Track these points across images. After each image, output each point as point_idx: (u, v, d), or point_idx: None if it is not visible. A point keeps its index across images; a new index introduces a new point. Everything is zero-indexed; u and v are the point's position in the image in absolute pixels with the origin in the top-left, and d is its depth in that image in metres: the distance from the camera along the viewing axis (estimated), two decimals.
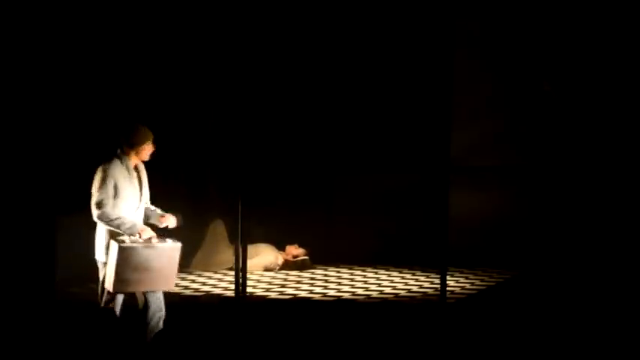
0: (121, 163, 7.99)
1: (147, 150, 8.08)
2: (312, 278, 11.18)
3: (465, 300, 9.88)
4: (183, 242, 11.93)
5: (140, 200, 8.08)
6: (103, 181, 7.87)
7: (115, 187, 7.90)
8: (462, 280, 10.91)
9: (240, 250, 9.03)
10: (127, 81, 11.80)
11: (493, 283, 10.77)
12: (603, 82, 11.44)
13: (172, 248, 7.92)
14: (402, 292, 10.22)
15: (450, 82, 11.59)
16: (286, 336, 8.61)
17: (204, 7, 12.01)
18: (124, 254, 7.74)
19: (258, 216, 11.48)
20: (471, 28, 12.04)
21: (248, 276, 11.03)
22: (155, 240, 7.90)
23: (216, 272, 11.42)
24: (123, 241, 7.82)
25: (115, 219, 7.83)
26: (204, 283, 10.70)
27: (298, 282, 10.90)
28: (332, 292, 10.23)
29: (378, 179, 12.35)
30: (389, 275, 11.35)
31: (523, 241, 11.75)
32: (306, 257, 11.86)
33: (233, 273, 9.37)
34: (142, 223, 8.02)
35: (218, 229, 11.83)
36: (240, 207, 8.86)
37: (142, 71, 11.85)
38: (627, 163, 11.33)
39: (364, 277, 11.27)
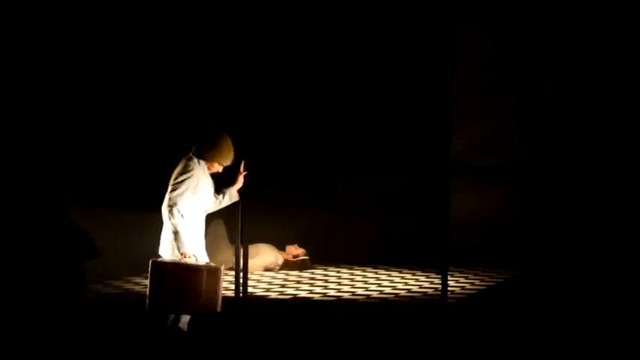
0: (199, 164, 7.94)
1: (214, 168, 8.02)
2: (312, 278, 11.19)
3: (465, 300, 9.88)
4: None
5: (209, 205, 8.04)
6: (186, 176, 7.79)
7: (196, 187, 7.82)
8: (461, 280, 10.91)
9: (241, 250, 9.02)
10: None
11: (493, 283, 10.76)
12: (603, 82, 11.44)
13: (211, 271, 7.73)
14: (402, 292, 10.22)
15: (449, 83, 11.60)
16: (286, 336, 8.60)
17: (204, 7, 12.01)
18: (158, 270, 7.63)
19: (258, 216, 11.49)
20: (471, 29, 12.04)
21: (248, 276, 11.04)
22: (193, 262, 7.75)
23: None
24: (159, 257, 7.73)
25: (182, 222, 7.72)
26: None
27: (298, 282, 10.90)
28: (332, 292, 10.23)
29: (377, 180, 12.35)
30: (389, 275, 11.35)
31: (523, 241, 11.75)
32: (306, 257, 11.87)
33: (233, 273, 9.36)
34: (203, 231, 7.98)
35: (218, 229, 11.82)
36: (240, 207, 8.85)
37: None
38: (627, 163, 11.33)
39: (364, 277, 11.27)
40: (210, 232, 11.85)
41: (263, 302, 9.80)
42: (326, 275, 11.41)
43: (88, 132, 11.45)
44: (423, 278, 11.11)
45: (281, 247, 11.88)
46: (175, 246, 7.80)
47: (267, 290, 10.38)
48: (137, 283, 10.76)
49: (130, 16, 11.67)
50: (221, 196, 8.15)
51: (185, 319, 8.01)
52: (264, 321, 9.21)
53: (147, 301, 7.79)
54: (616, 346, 8.34)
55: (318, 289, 10.43)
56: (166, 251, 7.94)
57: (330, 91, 12.47)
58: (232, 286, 9.62)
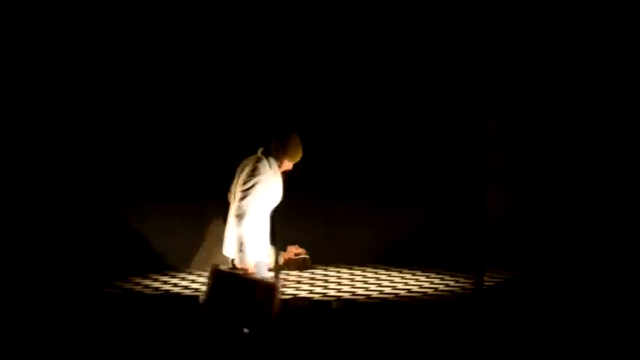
0: (269, 164, 7.88)
1: (285, 166, 7.96)
2: (312, 278, 11.18)
3: (465, 300, 9.88)
4: (183, 242, 12.03)
5: (276, 204, 7.93)
6: (255, 180, 7.71)
7: (264, 189, 7.74)
8: (461, 280, 10.91)
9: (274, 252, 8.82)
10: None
11: (493, 283, 10.76)
12: (603, 82, 11.44)
13: (265, 285, 7.61)
14: (402, 292, 10.22)
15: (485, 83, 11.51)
16: (286, 336, 8.60)
17: (205, 8, 12.03)
18: (217, 278, 7.57)
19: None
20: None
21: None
22: (252, 275, 7.67)
23: None
24: (218, 265, 7.69)
25: (246, 227, 7.62)
26: (204, 283, 10.68)
27: (298, 282, 10.90)
28: (332, 292, 10.23)
29: (378, 180, 12.34)
30: (389, 275, 11.35)
31: (522, 242, 11.76)
32: (306, 256, 11.88)
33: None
34: (267, 237, 7.84)
35: (218, 230, 11.81)
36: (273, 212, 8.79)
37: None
38: (627, 164, 11.33)
39: (364, 277, 11.27)
40: (210, 232, 11.88)
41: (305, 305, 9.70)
42: (326, 275, 11.41)
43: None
44: (422, 278, 11.12)
45: (281, 247, 11.87)
46: (238, 255, 7.71)
47: None
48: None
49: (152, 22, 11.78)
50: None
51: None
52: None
53: (202, 306, 7.70)
54: (616, 345, 8.35)
55: (318, 289, 10.43)
56: (232, 251, 7.86)
57: (331, 92, 12.45)
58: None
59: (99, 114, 12.04)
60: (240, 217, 7.65)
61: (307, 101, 12.34)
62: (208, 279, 7.62)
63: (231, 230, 7.82)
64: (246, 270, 7.69)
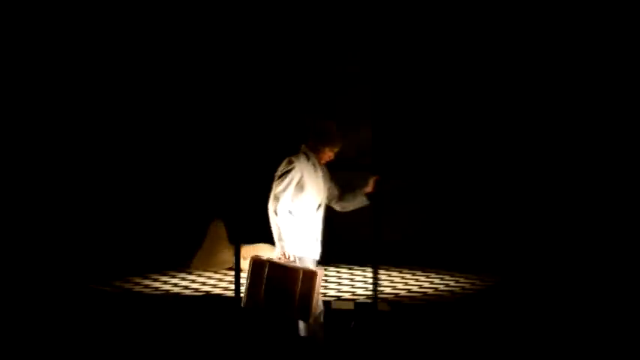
0: (308, 159, 7.85)
1: (326, 157, 7.92)
2: None
3: (465, 300, 9.88)
4: (183, 242, 12.05)
5: (322, 200, 7.90)
6: (288, 173, 7.70)
7: (301, 182, 7.73)
8: (461, 280, 10.92)
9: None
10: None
11: (492, 284, 10.77)
12: (602, 82, 11.44)
13: (307, 273, 7.55)
14: (402, 292, 10.22)
15: None
16: (286, 336, 8.60)
17: (205, 9, 12.05)
18: (256, 267, 7.56)
19: (257, 216, 11.49)
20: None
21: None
22: (292, 261, 7.64)
23: (216, 272, 11.42)
24: (259, 256, 7.65)
25: (284, 221, 7.62)
26: (204, 283, 10.70)
27: None
28: (332, 292, 10.23)
29: (377, 180, 12.32)
30: (389, 275, 11.35)
31: (520, 242, 11.76)
32: None
33: (233, 273, 9.35)
34: (319, 227, 7.85)
35: (218, 229, 11.83)
36: (372, 213, 8.80)
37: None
38: (627, 164, 11.33)
39: (364, 277, 11.27)
40: (210, 232, 11.89)
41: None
42: (326, 275, 11.41)
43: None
44: (422, 278, 11.12)
45: None
46: (277, 244, 7.72)
47: None
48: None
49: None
50: (350, 197, 8.04)
51: (302, 325, 7.83)
52: (264, 321, 9.20)
53: (243, 298, 7.70)
54: (615, 346, 8.35)
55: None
56: (290, 247, 7.82)
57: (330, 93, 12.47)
58: (232, 286, 9.63)
59: (100, 115, 12.07)
60: (275, 206, 7.67)
61: (305, 100, 12.37)
62: (248, 270, 7.61)
63: (288, 220, 7.80)
64: (285, 256, 7.67)
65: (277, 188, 7.70)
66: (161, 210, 12.31)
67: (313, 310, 7.58)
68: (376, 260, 8.58)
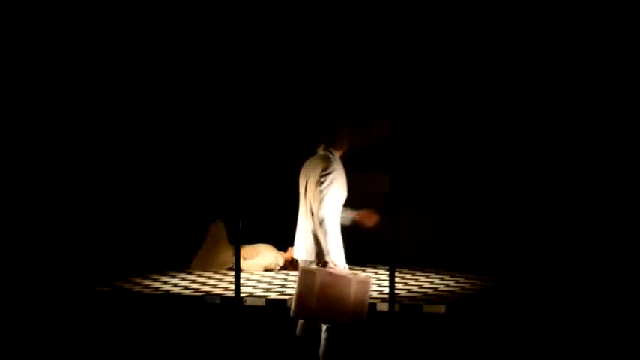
0: (335, 158, 7.74)
1: (343, 153, 7.87)
2: None
3: (465, 300, 9.88)
4: (183, 242, 12.04)
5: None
6: (333, 179, 7.57)
7: (339, 183, 7.64)
8: (461, 280, 10.92)
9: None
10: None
11: (492, 284, 10.77)
12: (602, 82, 11.43)
13: (360, 281, 7.50)
14: (402, 292, 10.21)
15: None
16: (286, 336, 8.61)
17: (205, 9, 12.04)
18: (306, 277, 7.44)
19: (258, 216, 11.50)
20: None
21: (248, 276, 11.06)
22: (342, 270, 7.56)
23: (216, 272, 11.42)
24: (309, 264, 7.58)
25: (332, 230, 7.48)
26: (204, 283, 10.70)
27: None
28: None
29: (377, 180, 12.34)
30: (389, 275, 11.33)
31: (520, 242, 11.76)
32: None
33: (233, 273, 9.35)
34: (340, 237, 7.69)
35: (218, 230, 11.83)
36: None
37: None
38: (627, 164, 11.33)
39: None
40: (210, 232, 11.88)
41: (263, 302, 9.72)
42: None
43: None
44: (422, 278, 11.12)
45: (281, 248, 11.88)
46: (320, 253, 7.62)
47: (267, 290, 10.38)
48: None
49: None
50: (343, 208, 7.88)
51: (332, 337, 7.75)
52: (264, 321, 9.21)
53: (292, 307, 7.60)
54: (615, 347, 8.35)
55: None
56: (302, 252, 7.77)
57: (330, 92, 12.45)
58: (232, 286, 9.62)
59: (101, 115, 12.06)
60: (323, 216, 7.52)
61: (305, 99, 12.36)
62: (298, 280, 7.50)
63: (305, 231, 7.69)
64: (334, 265, 7.57)
65: (324, 196, 7.52)
66: (161, 210, 12.30)
67: (366, 314, 7.52)
68: (393, 262, 8.48)
